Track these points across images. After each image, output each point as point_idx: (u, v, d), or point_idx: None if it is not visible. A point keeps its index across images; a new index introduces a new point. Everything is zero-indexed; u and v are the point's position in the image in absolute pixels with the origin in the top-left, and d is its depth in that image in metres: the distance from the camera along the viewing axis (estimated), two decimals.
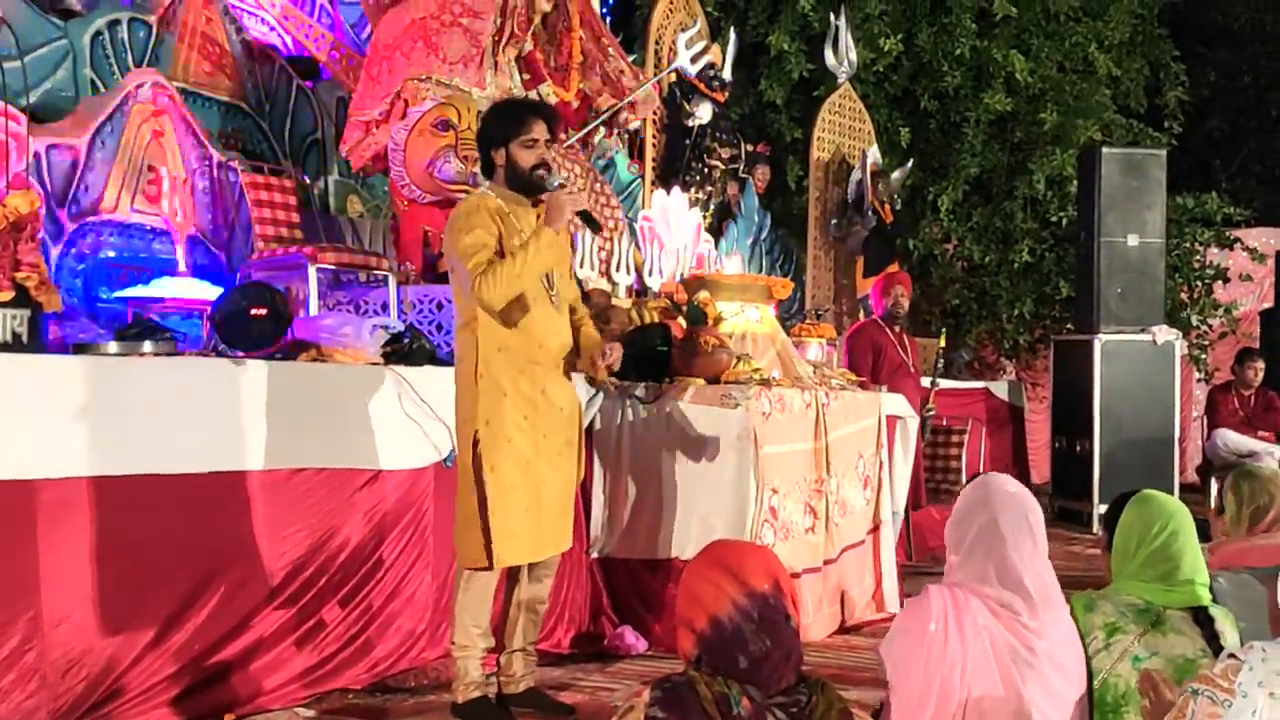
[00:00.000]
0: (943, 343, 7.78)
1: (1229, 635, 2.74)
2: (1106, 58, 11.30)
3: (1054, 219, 11.35)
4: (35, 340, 3.77)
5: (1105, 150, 9.36)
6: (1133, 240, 9.20)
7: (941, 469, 7.66)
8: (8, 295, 3.49)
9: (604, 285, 6.41)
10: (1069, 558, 7.72)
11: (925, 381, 7.64)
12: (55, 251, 5.20)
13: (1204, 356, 11.84)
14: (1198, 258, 11.84)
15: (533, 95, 6.17)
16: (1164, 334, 9.21)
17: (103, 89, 5.82)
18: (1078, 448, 9.30)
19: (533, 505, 3.85)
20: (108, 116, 5.45)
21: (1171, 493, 3.77)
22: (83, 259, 5.34)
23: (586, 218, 3.98)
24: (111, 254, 5.43)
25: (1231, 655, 2.01)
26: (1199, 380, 12.06)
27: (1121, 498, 3.04)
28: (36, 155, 5.14)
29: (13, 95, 4.81)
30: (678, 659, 2.17)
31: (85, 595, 3.54)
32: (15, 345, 3.59)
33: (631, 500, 5.13)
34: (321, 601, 4.17)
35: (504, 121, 3.96)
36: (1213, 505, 4.10)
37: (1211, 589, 2.90)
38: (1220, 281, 11.89)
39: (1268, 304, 12.06)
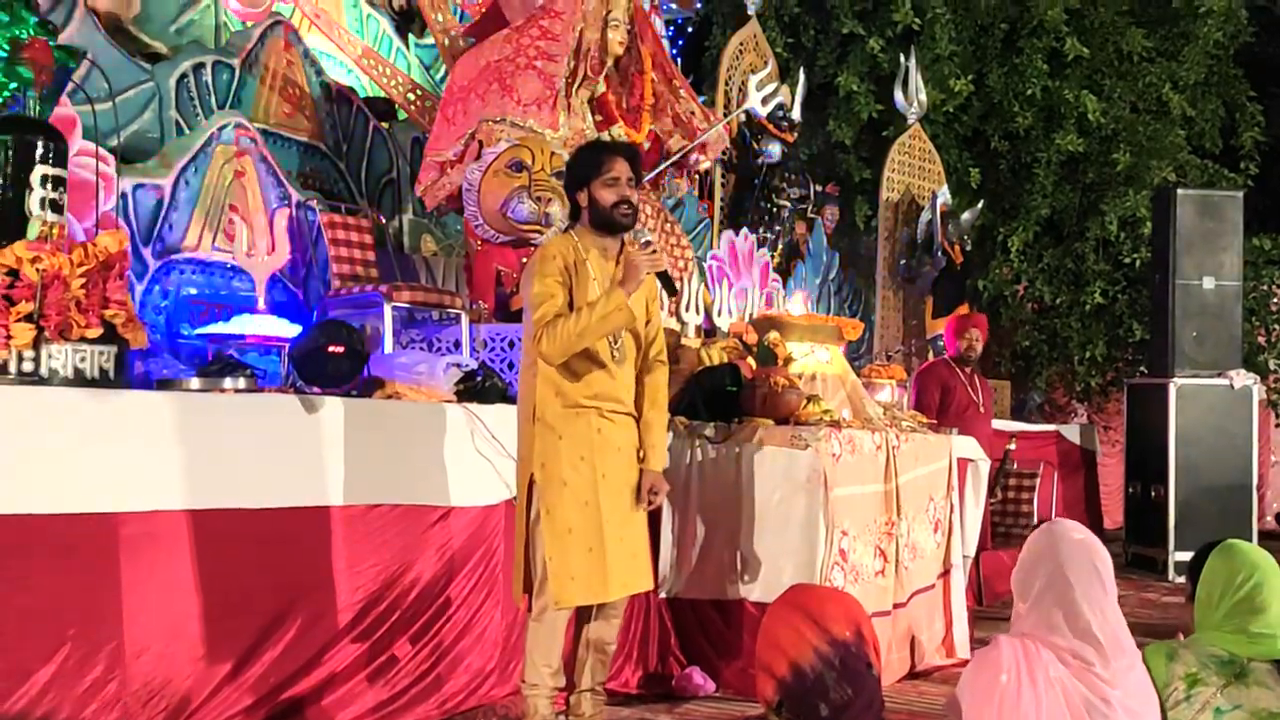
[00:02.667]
0: (1011, 444, 7.64)
1: None
2: (1181, 98, 11.19)
3: (1127, 260, 11.22)
4: (121, 376, 3.84)
5: (1180, 191, 9.25)
6: (1209, 282, 9.07)
7: (1013, 513, 7.56)
8: (96, 332, 3.57)
9: (673, 325, 6.44)
10: (1144, 604, 7.58)
11: (997, 425, 7.58)
12: (140, 289, 5.33)
13: None
14: (1275, 300, 11.64)
15: (605, 137, 6.23)
16: (1241, 378, 9.04)
17: (187, 130, 5.97)
18: (1152, 493, 9.14)
19: (596, 545, 3.85)
20: (191, 157, 5.59)
21: (1250, 540, 3.69)
22: (166, 296, 5.46)
23: (665, 279, 4.03)
24: (193, 291, 5.56)
25: None
26: (1277, 425, 11.82)
27: (1206, 547, 2.99)
28: (124, 195, 5.28)
29: (102, 136, 4.94)
30: (745, 700, 2.17)
31: (166, 627, 3.59)
32: (103, 380, 3.66)
33: (700, 541, 5.12)
34: (393, 637, 4.20)
35: (586, 163, 4.02)
36: None
37: None
38: None
39: None
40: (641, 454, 4.03)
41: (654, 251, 3.92)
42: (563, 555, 3.80)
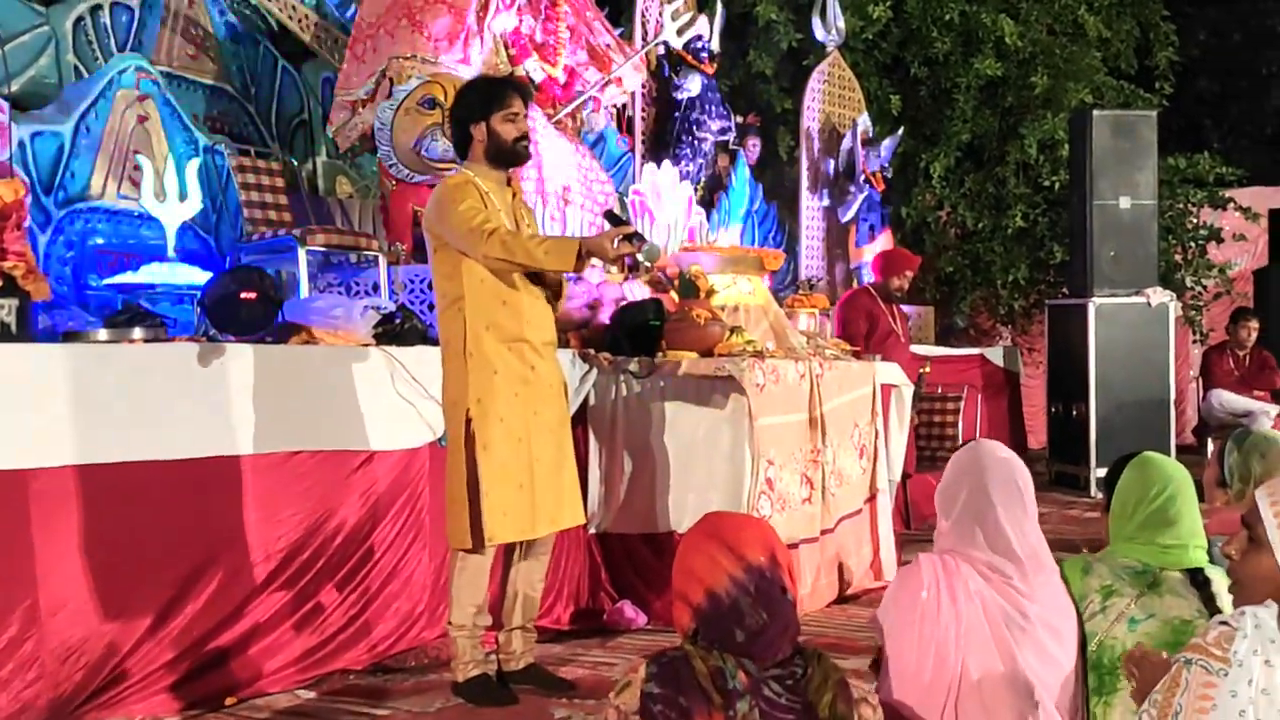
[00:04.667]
0: (924, 368, 7.71)
1: (1225, 597, 2.73)
2: (1096, 19, 11.25)
3: (1046, 183, 11.32)
4: (24, 329, 3.74)
5: (1096, 113, 9.32)
6: (1125, 203, 9.17)
7: (938, 436, 7.67)
8: None
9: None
10: (1066, 521, 7.75)
11: (920, 349, 7.65)
12: (43, 240, 5.17)
13: (1199, 317, 11.84)
14: (1191, 219, 11.82)
15: (519, 71, 6.13)
16: (1158, 296, 9.18)
17: (86, 75, 5.78)
18: (1074, 412, 9.30)
19: (527, 483, 3.84)
20: (91, 103, 5.42)
21: (1168, 454, 3.74)
22: (71, 246, 5.31)
23: (610, 217, 4.01)
24: (100, 241, 5.40)
25: (1224, 623, 1.99)
26: (1194, 341, 12.06)
27: (1121, 460, 3.02)
28: (20, 143, 5.11)
29: None
30: (677, 633, 2.16)
31: (82, 583, 3.53)
32: (4, 335, 3.57)
33: (627, 475, 5.13)
34: (319, 584, 4.17)
35: (483, 96, 3.94)
36: (1210, 470, 4.06)
37: (1209, 551, 2.90)
38: (1214, 242, 11.87)
39: (1262, 263, 12.05)
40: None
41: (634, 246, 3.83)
42: (497, 491, 3.78)
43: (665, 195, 7.33)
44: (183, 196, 5.25)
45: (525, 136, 3.93)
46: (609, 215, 3.96)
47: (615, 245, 3.78)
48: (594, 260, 3.99)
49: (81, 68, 5.85)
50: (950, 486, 2.78)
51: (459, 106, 4.01)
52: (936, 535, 2.82)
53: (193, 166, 5.38)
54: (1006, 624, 2.60)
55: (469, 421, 3.79)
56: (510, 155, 3.92)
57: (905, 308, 8.10)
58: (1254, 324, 9.53)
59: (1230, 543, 2.15)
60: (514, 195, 3.98)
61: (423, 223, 4.09)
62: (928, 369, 7.58)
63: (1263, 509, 2.08)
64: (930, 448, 7.59)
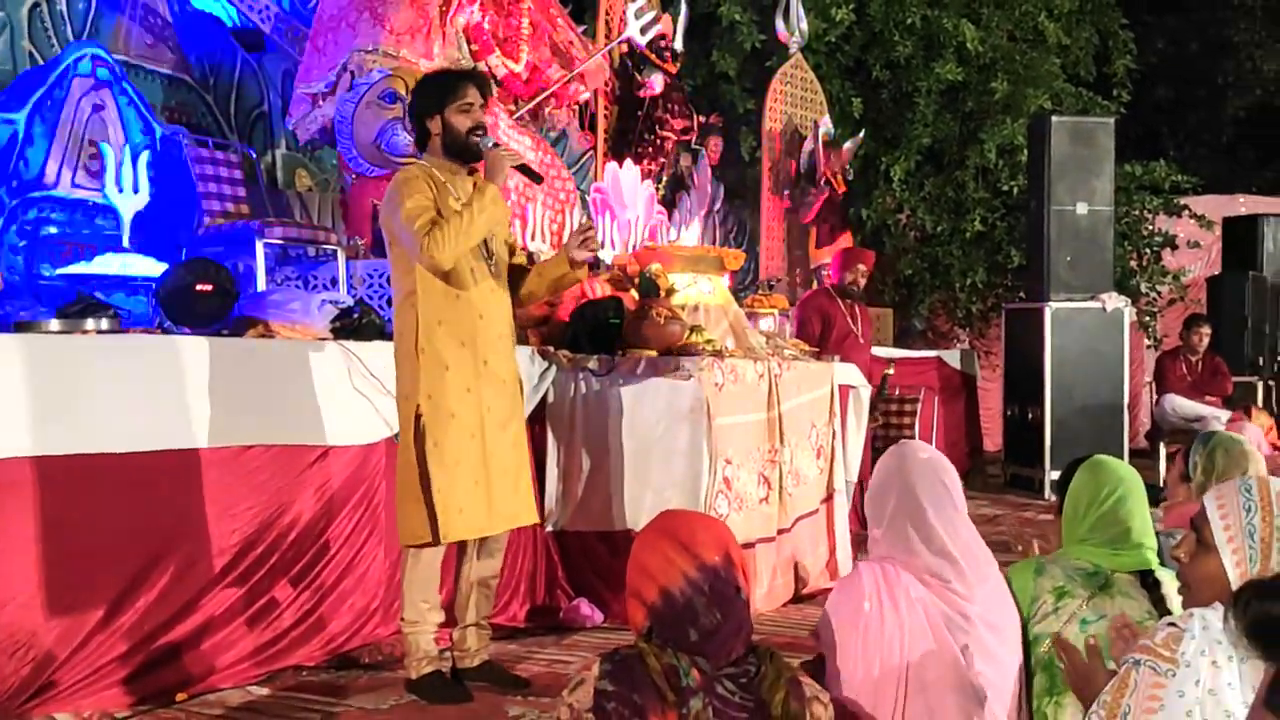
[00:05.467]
0: (889, 370, 7.78)
1: (1175, 598, 2.77)
2: (1056, 26, 11.36)
3: (1005, 188, 11.42)
4: None
5: (1054, 119, 9.41)
6: (1082, 208, 9.27)
7: (895, 438, 7.69)
8: None
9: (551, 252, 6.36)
10: (1022, 523, 7.79)
11: (881, 351, 7.69)
12: None
13: (1153, 323, 11.98)
14: (1146, 225, 11.96)
15: (481, 66, 6.10)
16: (1113, 301, 9.29)
17: (41, 62, 5.69)
18: (1029, 415, 9.39)
19: (481, 479, 3.83)
20: (47, 90, 5.35)
21: (1122, 458, 3.79)
22: (24, 235, 5.24)
23: (526, 171, 4.03)
24: (54, 230, 5.33)
25: (1172, 624, 2.01)
26: (1148, 346, 12.19)
27: (1073, 463, 3.05)
28: None
29: None
30: (631, 631, 2.16)
31: (30, 577, 3.48)
32: None
33: (585, 473, 5.12)
34: (272, 579, 4.13)
35: (438, 89, 3.94)
36: (1167, 469, 4.12)
37: (1159, 553, 2.93)
38: (1169, 248, 12.01)
39: (1215, 270, 12.20)
40: (556, 271, 4.10)
41: (507, 148, 3.91)
42: (450, 488, 3.76)
43: (627, 193, 7.33)
44: (137, 187, 5.19)
45: (481, 126, 3.92)
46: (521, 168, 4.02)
47: (494, 150, 3.90)
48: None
49: (37, 55, 5.76)
50: (879, 491, 2.79)
51: (416, 101, 4.00)
52: (870, 543, 2.82)
53: (143, 158, 5.32)
54: (949, 627, 2.62)
55: (419, 418, 3.77)
56: (464, 147, 3.90)
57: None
58: (1205, 330, 9.65)
59: (1179, 545, 2.18)
60: (474, 184, 3.95)
61: (379, 217, 4.07)
62: (892, 370, 7.63)
63: (1210, 513, 2.10)
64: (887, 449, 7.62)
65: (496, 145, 3.94)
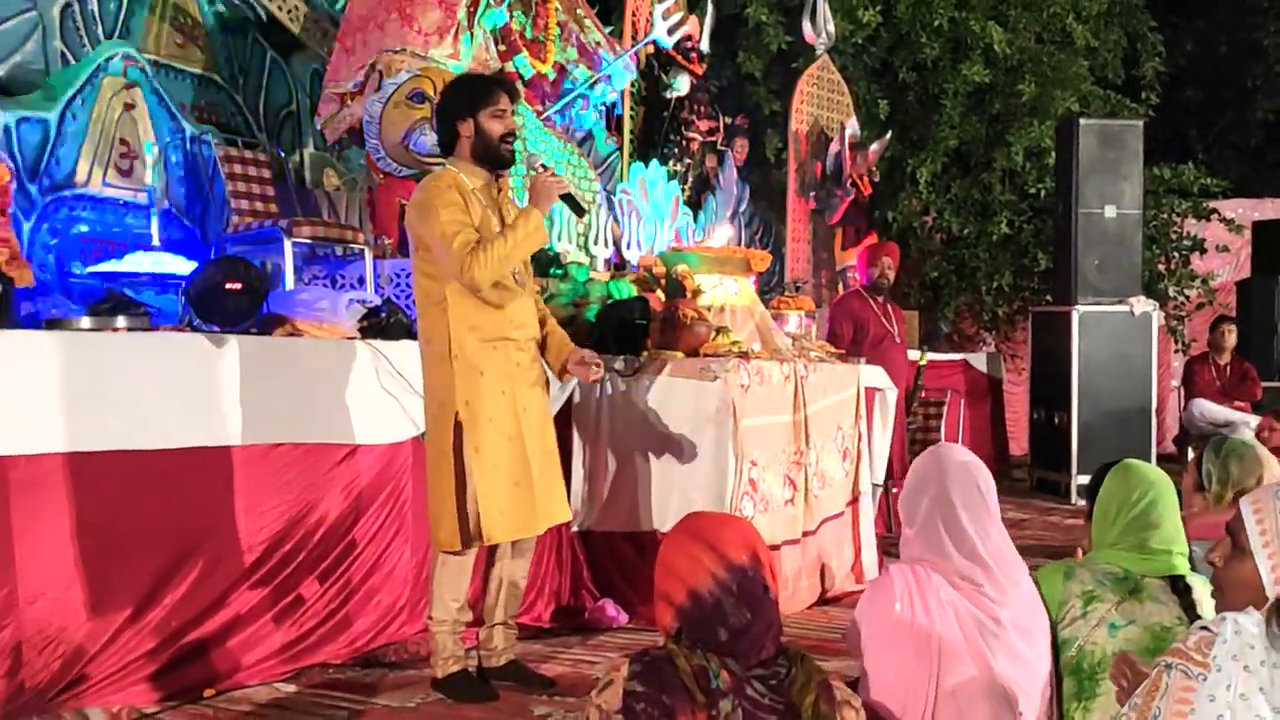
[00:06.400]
0: (922, 361, 7.77)
1: (1206, 604, 2.75)
2: (1084, 28, 11.30)
3: (1032, 190, 11.36)
4: (7, 316, 3.73)
5: (1083, 121, 9.35)
6: (1110, 211, 9.21)
7: (921, 441, 7.67)
8: None
9: (582, 258, 6.38)
10: (1048, 528, 7.77)
11: (913, 354, 7.66)
12: (27, 226, 5.15)
13: (1181, 327, 11.90)
14: (1175, 229, 11.87)
15: (509, 67, 6.12)
16: (1141, 305, 9.22)
17: (73, 61, 5.74)
18: (1056, 419, 9.33)
19: (523, 480, 3.84)
20: (78, 90, 5.39)
21: (1150, 463, 3.77)
22: (55, 234, 5.28)
23: (571, 201, 4.01)
24: (85, 229, 5.38)
25: (1204, 628, 2.00)
26: (1176, 351, 12.11)
27: (1103, 467, 3.04)
28: (6, 129, 5.09)
29: None
30: (659, 632, 2.16)
31: (61, 572, 3.51)
32: None
33: (611, 474, 5.12)
34: (300, 577, 4.15)
35: (471, 93, 3.92)
36: (1188, 476, 4.09)
37: (1190, 558, 2.92)
38: (1197, 252, 11.92)
39: (1244, 275, 12.12)
40: (561, 360, 4.10)
41: (555, 172, 3.92)
42: (492, 491, 3.77)
43: (652, 195, 7.34)
44: (167, 186, 5.23)
45: (512, 134, 3.92)
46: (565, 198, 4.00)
47: (543, 175, 3.90)
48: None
49: (69, 54, 5.82)
50: (913, 494, 2.78)
51: (446, 102, 3.98)
52: (902, 543, 2.82)
53: (173, 157, 5.36)
54: (980, 631, 2.61)
55: (458, 425, 3.78)
56: (496, 153, 3.90)
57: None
58: (1231, 328, 9.59)
59: (1215, 550, 2.16)
60: (499, 191, 3.97)
61: (406, 219, 4.07)
62: (925, 361, 7.59)
63: (1246, 517, 2.09)
64: (914, 452, 7.60)
65: (546, 168, 3.94)
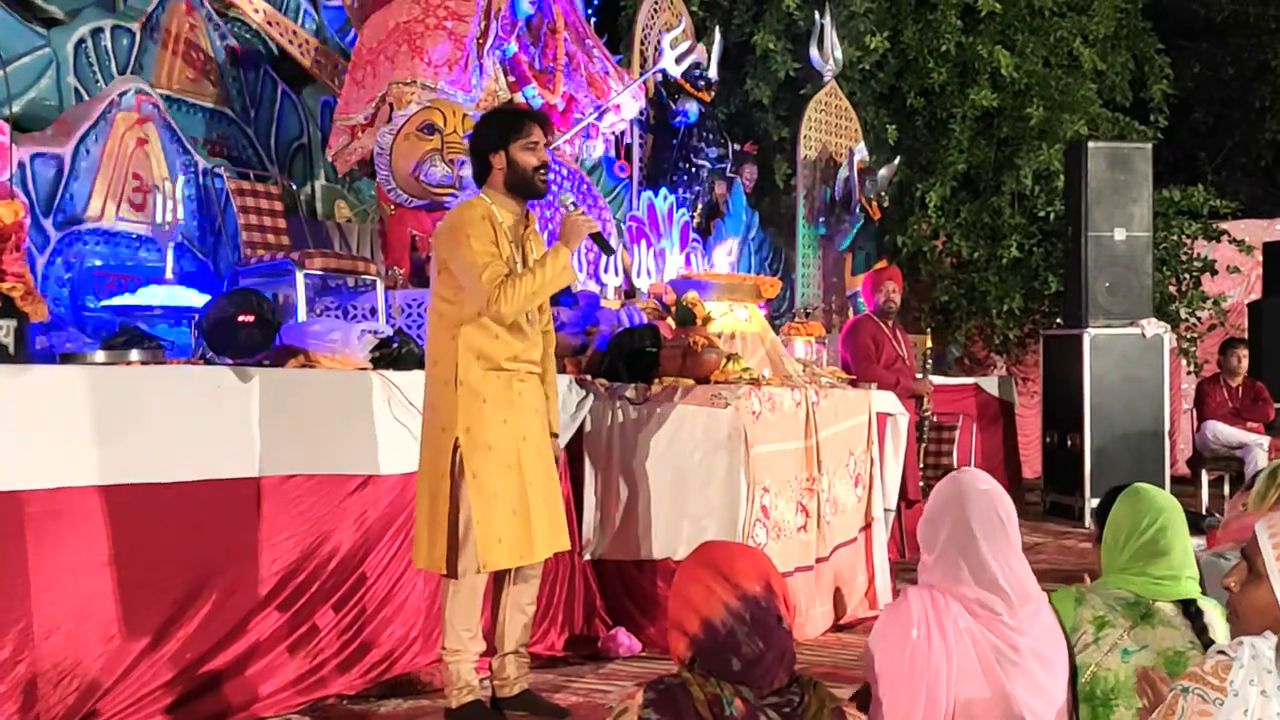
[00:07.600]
0: (929, 344, 7.80)
1: (1218, 627, 2.74)
2: (1091, 52, 11.32)
3: (1041, 214, 11.35)
4: (22, 350, 3.75)
5: (1091, 145, 9.36)
6: (1120, 234, 9.21)
7: (933, 465, 7.66)
8: None
9: (592, 287, 6.40)
10: (1061, 552, 7.75)
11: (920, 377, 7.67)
12: (41, 261, 5.19)
13: (1193, 349, 11.86)
14: (1185, 250, 11.84)
15: (518, 98, 6.16)
16: (1153, 327, 9.21)
17: (86, 97, 5.80)
18: (1068, 442, 9.30)
19: (520, 509, 3.85)
20: (91, 125, 5.44)
21: (1162, 486, 3.77)
22: (69, 268, 5.32)
23: (600, 241, 4.05)
24: (98, 263, 5.42)
25: (1221, 652, 2.00)
26: (1188, 373, 12.07)
27: (1112, 491, 3.03)
28: (20, 164, 5.13)
29: None
30: (671, 660, 2.17)
31: (76, 605, 3.53)
32: (2, 356, 3.57)
33: (623, 502, 5.13)
34: (314, 608, 4.16)
35: (503, 124, 3.98)
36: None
37: (1200, 582, 2.91)
38: (1208, 274, 11.90)
39: (1255, 296, 12.09)
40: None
41: (584, 212, 3.95)
42: (489, 519, 3.78)
43: (662, 222, 7.37)
44: (180, 220, 5.27)
45: (544, 166, 3.96)
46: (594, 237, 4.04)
47: (574, 213, 3.94)
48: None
49: (82, 90, 5.88)
50: (933, 519, 2.77)
51: (479, 135, 4.03)
52: (921, 568, 2.81)
53: (186, 191, 5.40)
54: (998, 659, 2.60)
55: (457, 450, 3.80)
56: (529, 184, 3.94)
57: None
58: (1243, 352, 9.56)
59: (1230, 574, 2.16)
60: (527, 226, 4.00)
61: (432, 241, 4.12)
62: (929, 406, 7.60)
63: (1262, 541, 2.09)
64: (926, 477, 7.59)
65: (577, 206, 3.99)
